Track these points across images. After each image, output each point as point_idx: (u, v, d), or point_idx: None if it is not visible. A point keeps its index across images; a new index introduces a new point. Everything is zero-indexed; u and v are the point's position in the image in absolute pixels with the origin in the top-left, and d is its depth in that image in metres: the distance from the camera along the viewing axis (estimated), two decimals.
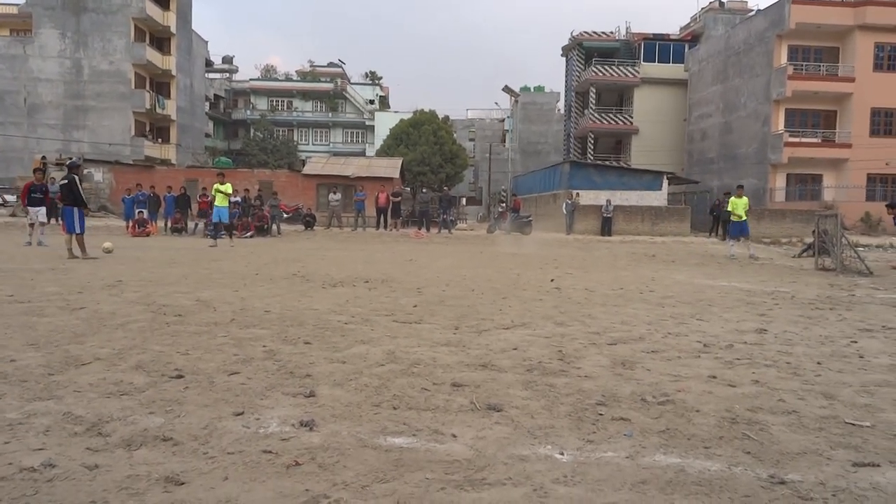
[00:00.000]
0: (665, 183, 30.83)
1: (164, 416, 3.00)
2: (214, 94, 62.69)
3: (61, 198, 12.00)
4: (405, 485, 2.34)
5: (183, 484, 2.29)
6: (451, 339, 5.07)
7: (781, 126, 33.54)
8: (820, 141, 34.17)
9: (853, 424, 3.14)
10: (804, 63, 33.74)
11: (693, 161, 41.47)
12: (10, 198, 33.27)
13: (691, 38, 45.09)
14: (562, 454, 2.67)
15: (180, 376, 3.71)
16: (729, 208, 17.46)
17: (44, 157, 30.77)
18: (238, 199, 22.83)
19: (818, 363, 4.51)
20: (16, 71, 40.56)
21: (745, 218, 16.42)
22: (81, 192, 11.93)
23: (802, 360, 4.59)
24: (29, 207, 15.01)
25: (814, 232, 14.58)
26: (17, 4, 42.59)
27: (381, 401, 3.35)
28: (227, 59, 68.79)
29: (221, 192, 16.74)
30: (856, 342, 5.32)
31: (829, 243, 13.11)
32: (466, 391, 3.58)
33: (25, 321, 5.32)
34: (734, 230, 16.91)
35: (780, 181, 34.04)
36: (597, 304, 7.37)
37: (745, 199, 16.62)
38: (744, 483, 2.41)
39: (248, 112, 64.96)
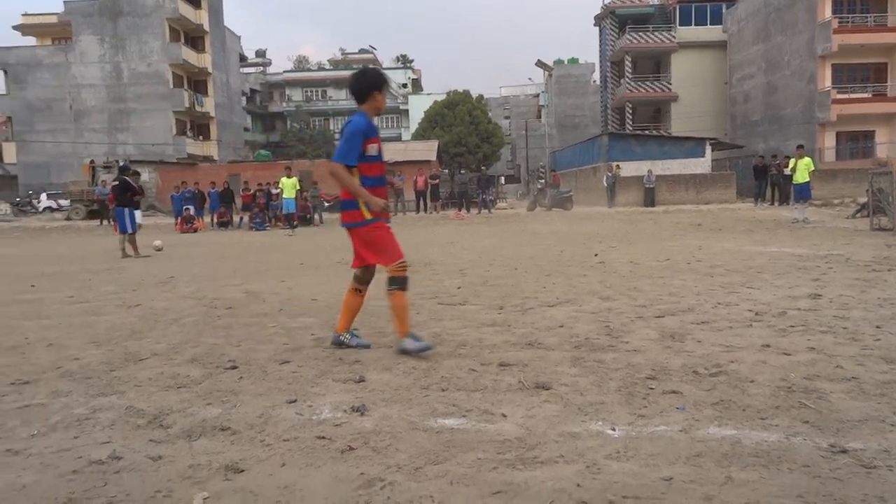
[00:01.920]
0: (708, 149, 30.05)
1: (221, 407, 3.08)
2: (250, 89, 63.56)
3: (113, 199, 12.37)
4: (458, 465, 2.36)
5: (242, 471, 2.36)
6: (497, 319, 5.07)
7: (828, 83, 32.25)
8: (870, 96, 32.75)
9: None
10: (850, 15, 32.29)
11: (737, 125, 40.27)
12: (64, 202, 34.45)
13: None
14: (613, 430, 2.65)
15: (234, 367, 3.81)
16: (789, 170, 16.50)
17: (92, 161, 31.77)
18: (278, 190, 23.15)
19: (877, 327, 4.36)
20: (60, 79, 41.84)
21: (808, 179, 15.39)
22: (131, 192, 12.20)
23: (860, 325, 4.45)
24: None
25: (868, 191, 14.05)
26: (56, 14, 43.78)
27: (430, 383, 3.38)
28: (261, 53, 69.58)
29: (288, 185, 18.05)
30: None
31: (885, 202, 12.62)
32: (514, 370, 3.58)
33: (85, 320, 5.52)
34: (798, 193, 15.75)
35: (829, 140, 32.80)
36: (643, 276, 7.27)
37: (807, 160, 15.60)
38: (803, 453, 2.36)
39: (284, 104, 65.73)
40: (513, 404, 3.02)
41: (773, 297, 5.70)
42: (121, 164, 14.56)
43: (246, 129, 58.66)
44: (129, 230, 11.90)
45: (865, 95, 32.70)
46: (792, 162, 16.09)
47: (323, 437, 2.67)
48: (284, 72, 69.36)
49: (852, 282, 6.36)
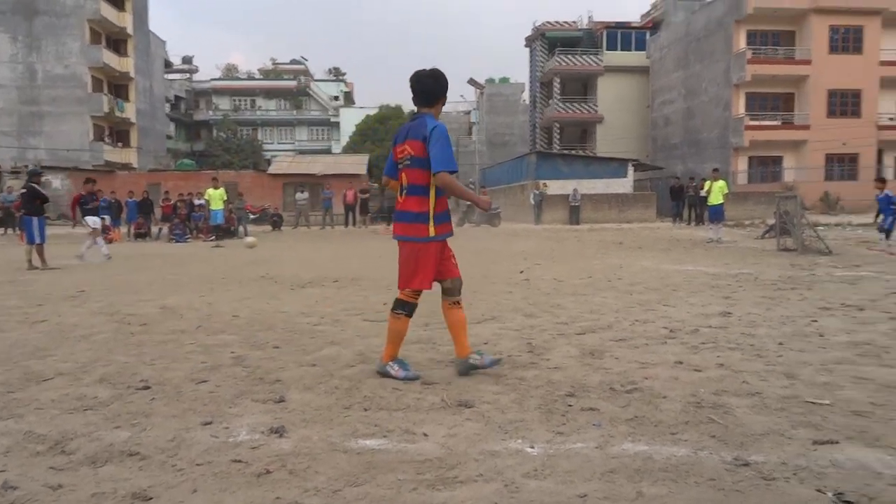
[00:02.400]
0: (630, 170, 31.22)
1: (131, 430, 2.95)
2: (175, 96, 61.61)
3: (19, 206, 11.68)
4: (377, 487, 2.34)
5: (150, 499, 2.26)
6: (422, 336, 5.07)
7: (742, 110, 34.13)
8: (779, 123, 34.84)
9: (813, 403, 3.22)
10: (762, 47, 34.34)
11: (657, 147, 42.01)
12: None
13: (652, 25, 45.60)
14: (532, 447, 2.70)
15: (146, 387, 3.66)
16: (704, 191, 17.13)
17: None
18: (202, 201, 22.51)
19: (780, 343, 4.62)
20: None
21: (722, 201, 16.02)
22: (41, 200, 11.60)
23: (765, 342, 4.70)
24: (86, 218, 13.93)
25: (775, 213, 14.89)
26: None
27: (352, 403, 3.34)
28: (187, 60, 67.62)
29: (215, 196, 17.63)
30: (816, 321, 5.46)
31: (790, 224, 13.41)
32: (437, 388, 3.59)
33: None
34: (712, 214, 16.30)
35: (742, 164, 34.66)
36: (566, 293, 7.44)
37: (721, 182, 16.26)
38: (709, 467, 2.47)
39: (211, 112, 63.98)
40: (435, 423, 3.02)
41: (686, 314, 5.95)
42: (30, 168, 13.78)
43: (169, 137, 56.70)
44: (38, 240, 11.26)
45: (775, 123, 34.76)
46: (707, 184, 16.78)
47: (239, 461, 2.59)
48: (212, 79, 67.57)
49: (759, 300, 6.72)
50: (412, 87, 3.77)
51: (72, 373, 4.01)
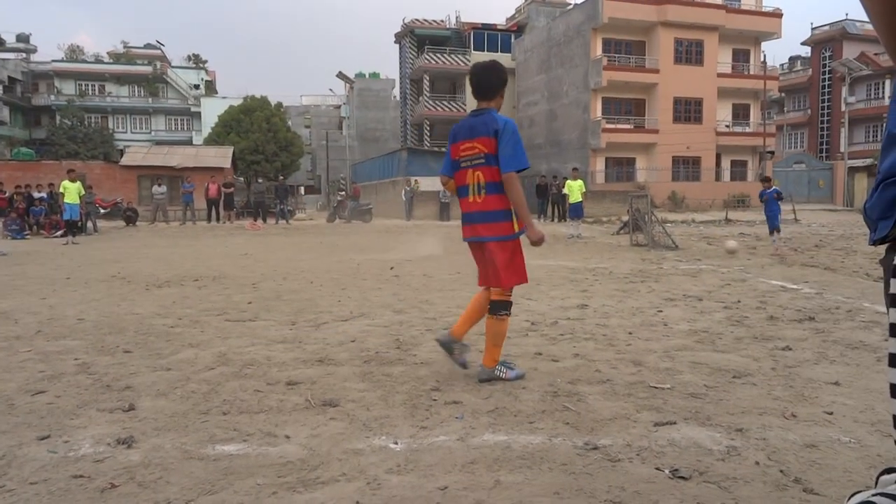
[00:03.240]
0: None
1: None
2: (9, 77, 55.63)
3: None
4: (234, 494, 2.25)
5: None
6: (287, 336, 4.95)
7: (599, 113, 36.28)
8: (632, 127, 37.43)
9: (656, 387, 3.50)
10: (617, 55, 36.67)
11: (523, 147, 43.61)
12: None
13: (517, 28, 47.26)
14: (396, 443, 2.71)
15: None
16: (565, 190, 17.93)
17: None
18: (43, 194, 20.63)
19: (629, 333, 4.97)
20: None
21: (580, 199, 16.87)
22: None
23: (616, 332, 5.03)
24: None
25: (628, 211, 15.99)
26: None
27: (210, 407, 3.20)
28: (23, 38, 61.18)
29: (71, 189, 16.38)
30: (661, 311, 5.93)
31: (642, 221, 14.46)
32: (302, 389, 3.52)
33: None
34: (572, 211, 17.17)
35: (599, 164, 36.87)
36: (434, 289, 7.55)
37: (579, 182, 17.08)
38: (562, 452, 2.61)
39: (53, 97, 58.37)
40: (298, 424, 2.96)
41: (547, 307, 6.24)
42: None
43: (2, 123, 51.24)
44: None
45: (629, 126, 37.30)
46: (568, 184, 17.65)
47: (80, 476, 2.39)
48: (53, 61, 61.65)
49: (612, 292, 7.19)
50: (471, 80, 3.69)
51: None
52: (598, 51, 35.96)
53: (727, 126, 39.23)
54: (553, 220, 27.11)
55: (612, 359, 4.18)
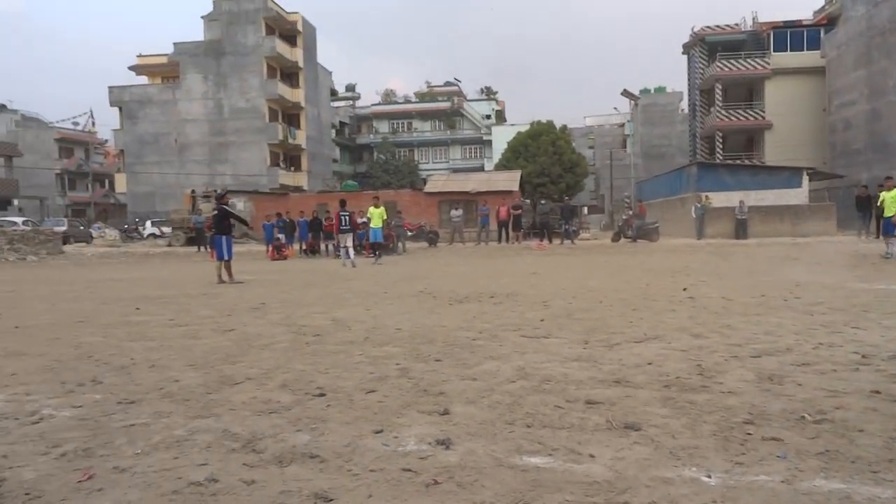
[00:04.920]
0: (805, 179, 28.62)
1: (310, 434, 3.16)
2: (340, 122, 66.03)
3: (210, 226, 13.06)
4: None
5: (331, 500, 2.40)
6: (582, 354, 4.97)
7: None
8: None
9: None
10: None
11: (836, 153, 38.14)
12: (167, 229, 36.67)
13: (827, 21, 41.67)
14: (709, 477, 2.54)
15: (322, 394, 3.91)
16: (880, 202, 15.33)
17: (193, 191, 33.73)
18: (365, 219, 23.75)
19: None
20: (167, 114, 44.97)
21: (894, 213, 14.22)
22: (234, 219, 13.04)
23: None
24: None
25: None
26: (166, 55, 47.16)
27: (515, 419, 3.35)
28: (350, 87, 72.32)
29: (375, 214, 18.27)
30: None
31: None
32: (601, 409, 3.49)
33: (184, 343, 5.82)
34: (886, 228, 14.75)
35: None
36: (736, 313, 6.95)
37: (894, 192, 14.49)
38: None
39: (371, 136, 67.81)
40: (601, 444, 2.94)
41: (880, 338, 5.31)
42: (217, 192, 15.43)
43: (335, 161, 60.80)
44: (226, 257, 12.50)
45: None
46: (883, 195, 14.91)
47: (409, 470, 2.68)
48: (372, 105, 71.69)
49: None
50: None
51: (257, 378, 4.39)
52: None
53: None
54: (879, 235, 23.12)
55: None
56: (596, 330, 6.11)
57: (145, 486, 2.57)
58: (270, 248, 22.99)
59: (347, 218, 18.12)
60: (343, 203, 18.71)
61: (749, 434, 3.03)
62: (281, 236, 23.58)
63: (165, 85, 47.04)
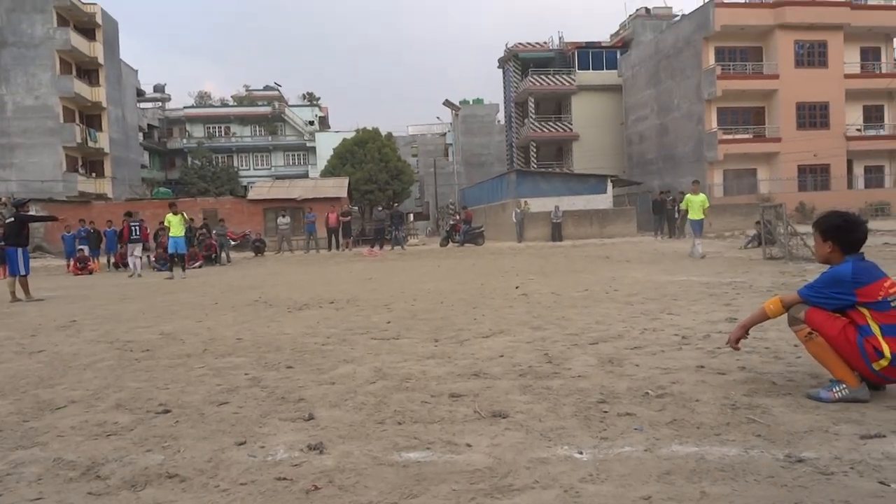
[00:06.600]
0: (609, 186, 31.54)
1: (163, 453, 2.85)
2: (148, 124, 61.06)
3: (3, 237, 11.40)
4: (433, 498, 2.28)
5: None
6: (435, 352, 5.02)
7: (714, 124, 34.79)
8: (751, 136, 35.59)
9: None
10: (731, 63, 35.15)
11: (633, 163, 42.56)
12: None
13: (622, 44, 46.42)
14: (581, 453, 2.66)
15: (167, 411, 3.55)
16: (683, 205, 16.32)
17: None
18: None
19: (795, 346, 4.64)
20: None
21: (702, 217, 15.22)
22: (39, 220, 11.42)
23: (779, 344, 4.73)
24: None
25: (758, 223, 15.11)
26: None
27: (384, 417, 3.28)
28: (159, 88, 67.21)
29: (174, 222, 16.09)
30: None
31: (775, 233, 13.62)
32: (467, 401, 3.54)
33: None
34: (694, 229, 15.43)
35: (717, 177, 35.24)
36: (567, 306, 7.44)
37: (702, 197, 15.37)
38: (764, 465, 2.45)
39: (185, 140, 63.55)
40: (475, 434, 2.97)
41: (693, 321, 5.97)
42: (14, 199, 13.50)
43: (143, 167, 56.08)
44: (22, 272, 10.99)
45: (747, 136, 35.50)
46: (687, 199, 15.82)
47: (283, 478, 2.51)
48: (185, 107, 67.24)
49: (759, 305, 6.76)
50: (861, 238, 3.43)
51: (84, 400, 3.89)
52: (711, 60, 34.61)
53: (858, 130, 36.45)
54: (672, 235, 26.14)
55: (784, 371, 3.92)
56: (443, 328, 6.21)
57: None
58: (72, 262, 20.61)
59: (137, 228, 17.95)
60: (130, 214, 18.63)
61: (605, 412, 3.23)
62: (84, 248, 21.24)
63: None
